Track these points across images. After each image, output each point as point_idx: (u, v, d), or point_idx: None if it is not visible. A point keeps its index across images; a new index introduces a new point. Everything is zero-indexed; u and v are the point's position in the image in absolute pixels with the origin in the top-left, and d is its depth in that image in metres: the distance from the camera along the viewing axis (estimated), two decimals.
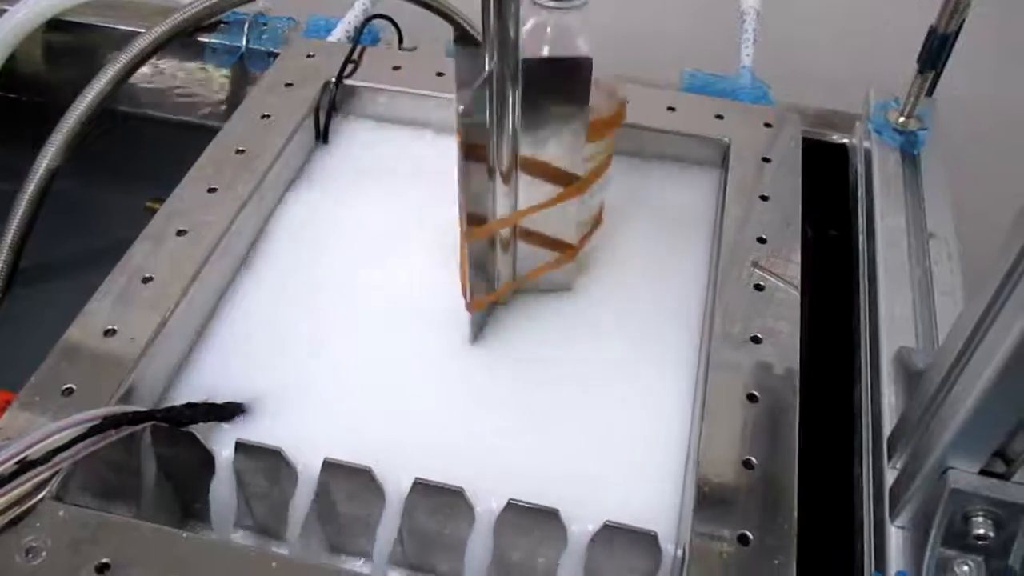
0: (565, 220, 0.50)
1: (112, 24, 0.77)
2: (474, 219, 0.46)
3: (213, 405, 0.46)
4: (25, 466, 0.39)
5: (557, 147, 0.46)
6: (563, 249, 0.51)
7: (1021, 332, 0.32)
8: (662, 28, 0.86)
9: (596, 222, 0.54)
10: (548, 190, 0.48)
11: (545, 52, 0.45)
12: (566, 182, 0.48)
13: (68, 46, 0.79)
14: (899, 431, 0.43)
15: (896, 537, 0.41)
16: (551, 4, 0.44)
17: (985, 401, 0.34)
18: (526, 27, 0.45)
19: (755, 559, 0.39)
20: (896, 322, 0.50)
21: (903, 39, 0.59)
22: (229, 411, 0.46)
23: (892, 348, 0.48)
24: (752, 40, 0.69)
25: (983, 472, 0.37)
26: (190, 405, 0.45)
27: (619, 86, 0.49)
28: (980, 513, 0.37)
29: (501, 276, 0.51)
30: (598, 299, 0.54)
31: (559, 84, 0.43)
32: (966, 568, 0.38)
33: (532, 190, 0.48)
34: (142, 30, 0.67)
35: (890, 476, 0.43)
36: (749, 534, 0.40)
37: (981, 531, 0.37)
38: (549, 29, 0.45)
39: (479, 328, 0.51)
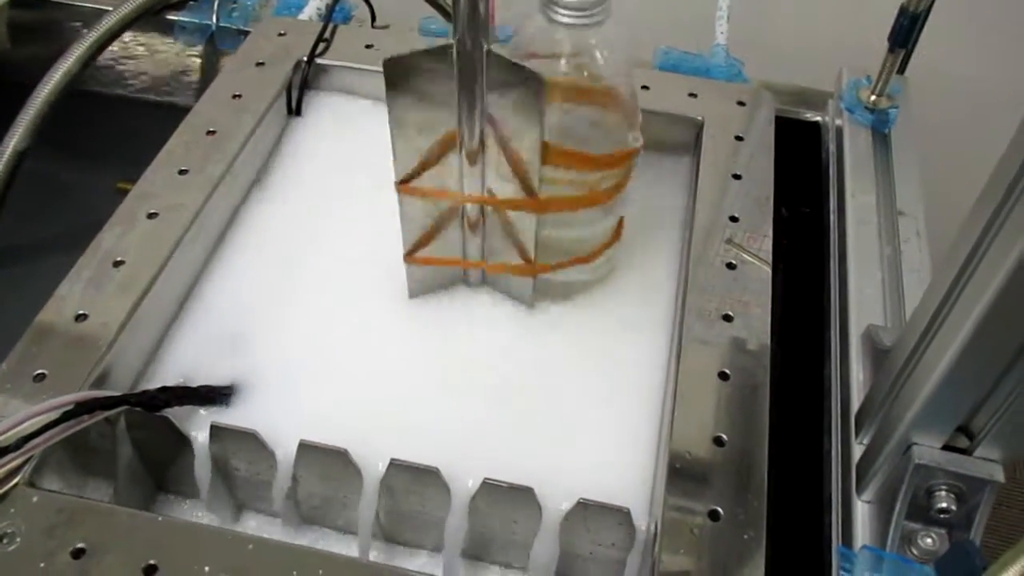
0: (524, 232, 0.48)
1: (79, 1, 0.75)
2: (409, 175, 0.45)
3: (188, 389, 0.46)
4: None
5: (518, 148, 0.44)
6: (525, 260, 0.49)
7: (983, 310, 0.33)
8: (637, 4, 0.86)
9: (609, 242, 0.51)
10: (515, 191, 0.46)
11: (562, 68, 0.44)
12: (527, 190, 0.46)
13: (34, 24, 0.77)
14: (866, 408, 0.44)
15: (862, 511, 0.42)
16: (566, 19, 0.42)
17: (948, 377, 0.35)
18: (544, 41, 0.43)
19: (726, 534, 0.40)
20: (865, 300, 0.51)
21: (878, 16, 0.59)
22: (204, 395, 0.46)
23: (861, 326, 0.49)
24: (726, 17, 0.69)
25: (946, 447, 0.38)
26: (164, 389, 0.45)
27: (639, 132, 0.46)
28: (943, 487, 0.38)
29: (469, 254, 0.51)
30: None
31: (517, 90, 0.41)
32: (929, 541, 0.39)
33: (502, 185, 0.46)
34: (110, 8, 0.67)
35: (857, 452, 0.43)
36: (720, 509, 0.41)
37: (944, 505, 0.38)
38: (567, 46, 0.43)
39: (422, 287, 0.51)
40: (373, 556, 0.46)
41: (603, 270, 0.53)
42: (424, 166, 0.45)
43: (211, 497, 0.47)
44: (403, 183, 0.46)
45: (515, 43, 0.45)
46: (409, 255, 0.49)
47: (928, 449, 0.38)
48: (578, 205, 0.47)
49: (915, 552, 0.39)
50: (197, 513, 0.48)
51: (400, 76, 0.41)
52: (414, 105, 0.43)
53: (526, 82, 0.41)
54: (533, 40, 0.44)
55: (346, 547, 0.47)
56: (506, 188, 0.46)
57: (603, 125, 0.47)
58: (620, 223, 0.52)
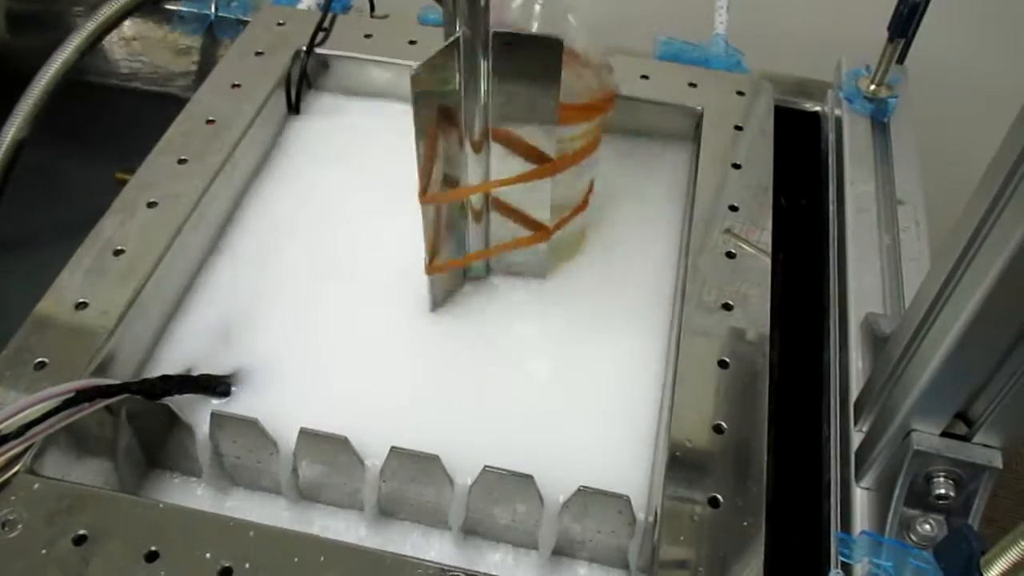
0: (539, 199, 0.49)
1: None
2: (428, 184, 0.45)
3: (188, 377, 0.46)
4: None
5: (529, 124, 0.45)
6: (536, 228, 0.51)
7: (981, 298, 0.33)
8: None
9: (578, 207, 0.52)
10: (521, 166, 0.47)
11: (534, 28, 0.44)
12: (539, 160, 0.47)
13: (32, 14, 0.77)
14: (865, 395, 0.44)
15: (861, 498, 0.42)
16: None
17: (946, 364, 0.35)
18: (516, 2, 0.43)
19: (725, 520, 0.40)
20: (864, 288, 0.51)
21: (877, 6, 0.59)
22: (204, 383, 0.47)
23: (860, 314, 0.49)
24: (726, 7, 0.68)
25: (945, 434, 0.38)
26: (164, 377, 0.45)
27: (609, 71, 0.47)
28: (942, 473, 0.38)
29: (472, 246, 0.51)
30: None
31: (530, 61, 0.43)
32: (928, 527, 0.39)
33: (506, 163, 0.47)
34: None
35: (856, 439, 0.44)
36: (719, 496, 0.41)
37: (942, 491, 0.38)
38: (537, 6, 0.44)
39: (441, 295, 0.51)
40: (376, 535, 0.46)
41: (575, 241, 0.54)
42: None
43: (209, 476, 0.47)
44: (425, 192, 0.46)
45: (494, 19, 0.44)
46: (430, 265, 0.49)
47: (927, 436, 0.38)
48: (580, 157, 0.49)
49: (914, 538, 0.39)
50: (193, 490, 0.48)
51: (426, 86, 0.42)
52: (435, 113, 0.43)
53: (541, 48, 0.41)
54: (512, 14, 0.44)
55: (347, 522, 0.47)
56: (516, 164, 0.47)
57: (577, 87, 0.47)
58: (589, 189, 0.53)
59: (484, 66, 0.43)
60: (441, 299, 0.51)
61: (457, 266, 0.51)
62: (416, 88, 0.41)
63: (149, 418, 0.45)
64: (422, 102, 0.42)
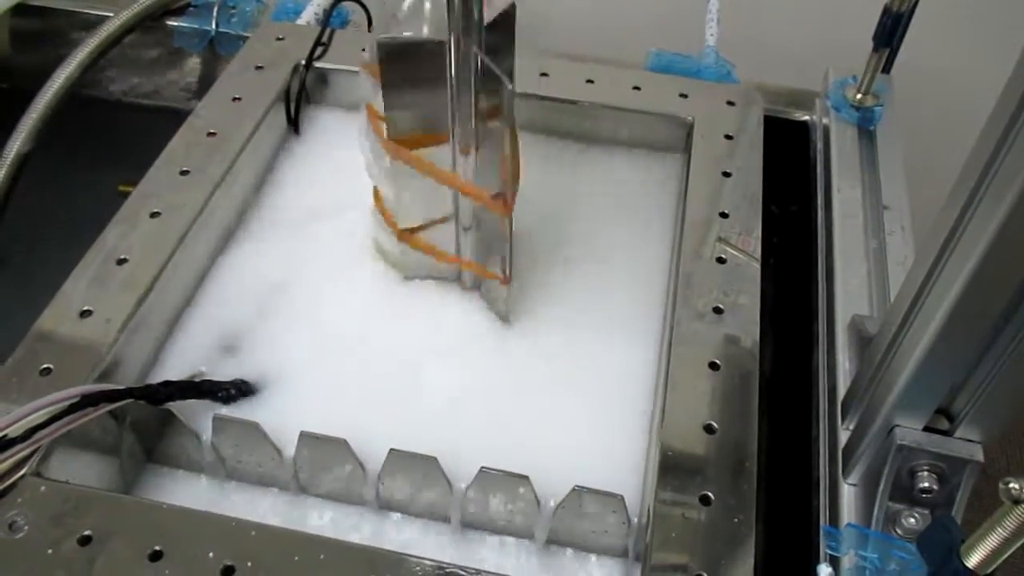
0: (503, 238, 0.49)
1: (80, 8, 0.77)
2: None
3: (191, 383, 0.47)
4: (5, 444, 0.40)
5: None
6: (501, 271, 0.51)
7: (957, 295, 0.34)
8: (629, 7, 0.87)
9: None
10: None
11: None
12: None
13: (35, 31, 0.79)
14: (851, 394, 0.45)
15: (848, 493, 0.43)
16: None
17: (927, 360, 0.36)
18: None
19: (716, 518, 0.41)
20: (851, 291, 0.52)
21: (866, 17, 0.60)
22: (207, 389, 0.47)
23: (847, 316, 0.50)
24: (716, 20, 0.70)
25: (927, 429, 0.39)
26: (167, 383, 0.46)
27: None
28: (925, 467, 0.39)
29: (462, 253, 0.52)
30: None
31: (499, 38, 0.44)
32: (913, 520, 0.40)
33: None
34: (110, 14, 0.68)
35: (844, 437, 0.45)
36: (710, 494, 0.42)
37: (926, 484, 0.39)
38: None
39: (413, 268, 0.53)
40: (376, 533, 0.47)
41: None
42: (417, 141, 0.46)
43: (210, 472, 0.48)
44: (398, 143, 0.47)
45: None
46: (405, 232, 0.49)
47: (910, 431, 0.39)
48: None
49: (899, 532, 0.40)
50: (194, 483, 0.48)
51: (395, 54, 0.43)
52: (407, 83, 0.45)
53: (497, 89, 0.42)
54: None
55: (347, 520, 0.47)
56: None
57: None
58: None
59: (474, 77, 0.44)
60: (413, 274, 0.53)
61: (435, 254, 0.52)
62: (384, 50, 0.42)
63: (152, 423, 0.46)
64: (391, 67, 0.43)
